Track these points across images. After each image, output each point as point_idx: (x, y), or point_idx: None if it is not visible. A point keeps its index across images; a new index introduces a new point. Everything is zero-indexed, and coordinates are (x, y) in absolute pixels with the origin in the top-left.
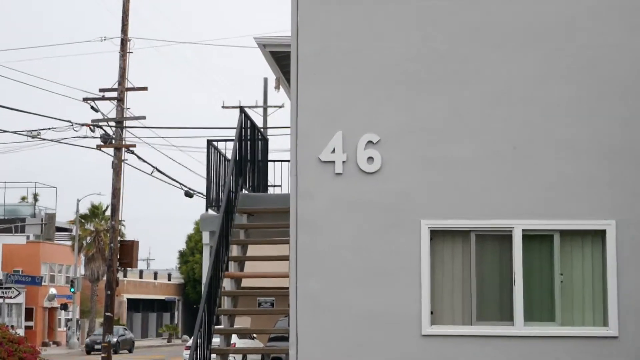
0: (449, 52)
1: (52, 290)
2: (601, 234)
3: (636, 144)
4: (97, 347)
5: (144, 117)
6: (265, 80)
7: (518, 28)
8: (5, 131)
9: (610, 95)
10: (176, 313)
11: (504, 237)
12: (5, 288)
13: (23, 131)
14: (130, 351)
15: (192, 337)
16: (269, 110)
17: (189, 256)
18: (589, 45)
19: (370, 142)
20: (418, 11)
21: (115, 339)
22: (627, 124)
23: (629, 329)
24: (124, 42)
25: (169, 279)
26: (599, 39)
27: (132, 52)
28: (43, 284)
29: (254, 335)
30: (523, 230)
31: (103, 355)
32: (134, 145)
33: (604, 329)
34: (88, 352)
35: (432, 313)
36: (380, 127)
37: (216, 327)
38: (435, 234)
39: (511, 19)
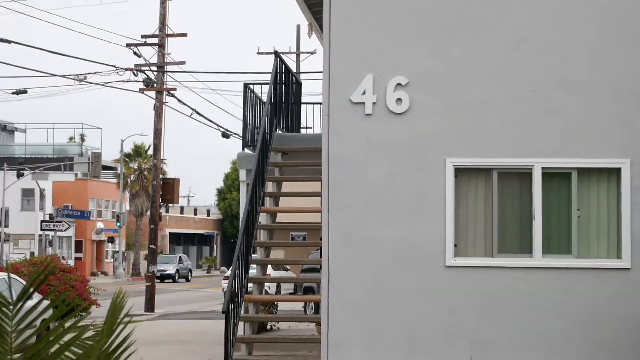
0: (471, 0)
1: (100, 225)
2: (616, 172)
3: None
4: (157, 275)
5: (183, 62)
6: (298, 27)
7: None
8: (53, 75)
9: (625, 42)
10: (215, 246)
11: (524, 175)
12: (57, 222)
13: (70, 75)
14: (187, 280)
15: (231, 268)
16: (302, 56)
17: (227, 193)
18: None
19: (399, 84)
20: None
21: (174, 269)
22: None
23: None
24: None
25: (208, 215)
26: None
27: (171, 0)
28: (91, 218)
29: (288, 266)
30: (542, 168)
31: (147, 284)
32: (174, 89)
33: (618, 261)
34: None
35: (455, 246)
36: (408, 71)
37: (253, 258)
38: (459, 172)
39: None
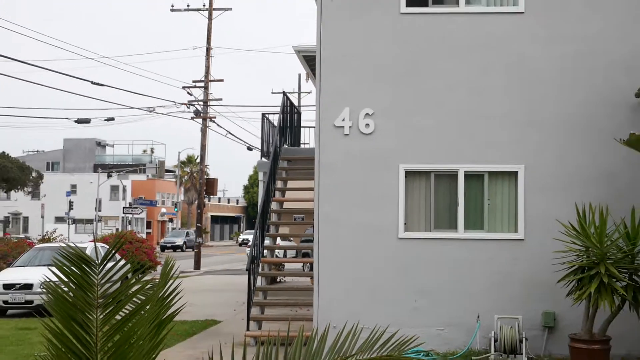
0: (416, 57)
1: (163, 210)
2: (515, 174)
3: (535, 118)
4: (169, 246)
5: (221, 99)
6: (299, 75)
7: (462, 41)
8: (132, 107)
9: (518, 87)
10: (241, 224)
11: (452, 176)
12: (134, 208)
13: (143, 107)
14: (193, 249)
15: (252, 239)
16: (302, 94)
17: (250, 188)
18: (507, 53)
19: (367, 114)
20: (395, 31)
21: (182, 241)
22: (531, 104)
23: (531, 234)
24: (208, 50)
25: (237, 203)
26: (513, 49)
27: (213, 57)
28: (157, 205)
29: (291, 238)
30: (465, 171)
31: (196, 251)
32: (215, 117)
33: (515, 234)
34: (162, 250)
35: (405, 224)
36: (373, 105)
37: (267, 233)
38: (408, 174)
39: (457, 35)
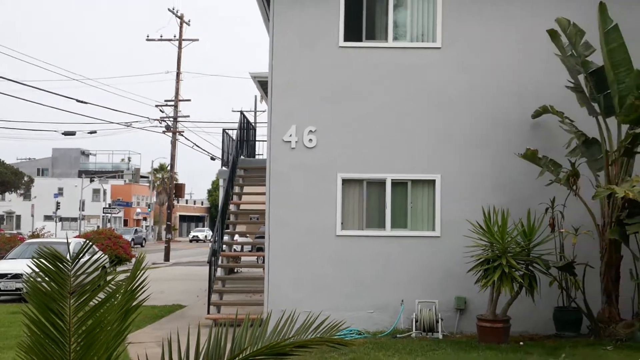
0: (353, 83)
1: (138, 210)
2: (432, 182)
3: (450, 135)
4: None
5: (188, 116)
6: (255, 96)
7: (390, 70)
8: (111, 122)
9: (436, 110)
10: (205, 223)
11: (381, 183)
12: (112, 208)
13: (121, 122)
14: (141, 245)
15: (213, 236)
16: (258, 113)
17: (213, 192)
18: (427, 81)
19: (310, 130)
20: (334, 61)
21: (130, 237)
22: (447, 124)
23: (446, 232)
24: (178, 74)
25: (202, 204)
26: (432, 78)
27: (182, 80)
28: (133, 206)
29: (247, 234)
30: (392, 179)
31: (166, 245)
32: (183, 131)
33: (433, 232)
34: None
35: (342, 223)
36: (316, 123)
37: (226, 230)
38: (345, 181)
39: (386, 65)
